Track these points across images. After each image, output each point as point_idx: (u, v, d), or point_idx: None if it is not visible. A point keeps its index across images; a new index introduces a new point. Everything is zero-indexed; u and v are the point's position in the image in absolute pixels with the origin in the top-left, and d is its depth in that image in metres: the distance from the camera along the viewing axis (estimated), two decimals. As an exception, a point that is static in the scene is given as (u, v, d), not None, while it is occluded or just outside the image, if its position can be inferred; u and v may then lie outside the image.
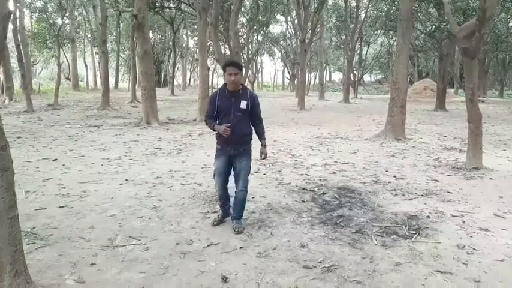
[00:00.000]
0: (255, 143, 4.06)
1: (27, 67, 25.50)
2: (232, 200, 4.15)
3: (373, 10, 29.51)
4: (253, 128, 4.07)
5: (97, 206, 4.73)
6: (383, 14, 25.26)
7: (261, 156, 4.13)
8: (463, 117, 14.76)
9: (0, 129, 2.52)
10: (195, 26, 28.90)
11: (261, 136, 4.13)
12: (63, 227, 4.07)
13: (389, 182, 5.99)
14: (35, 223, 4.13)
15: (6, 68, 20.24)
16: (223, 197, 4.13)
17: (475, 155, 6.93)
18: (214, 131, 3.95)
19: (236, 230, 3.91)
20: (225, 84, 3.94)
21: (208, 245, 3.62)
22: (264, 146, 4.12)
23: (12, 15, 2.53)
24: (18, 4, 23.46)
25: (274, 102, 26.75)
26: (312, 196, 5.22)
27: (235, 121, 3.82)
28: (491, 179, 6.29)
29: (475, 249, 3.62)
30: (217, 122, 3.97)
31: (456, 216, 4.50)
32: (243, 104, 3.85)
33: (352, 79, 32.44)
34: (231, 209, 4.16)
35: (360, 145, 9.63)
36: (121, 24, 31.83)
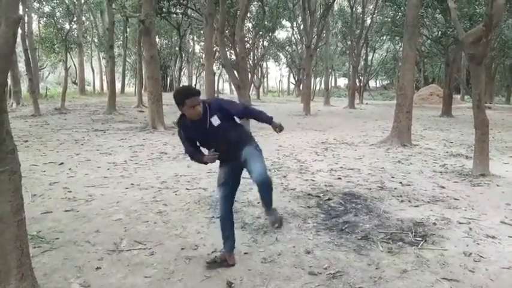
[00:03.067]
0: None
1: (35, 71, 25.68)
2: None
3: (379, 16, 29.52)
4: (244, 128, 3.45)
5: (103, 210, 4.75)
6: (389, 19, 25.23)
7: (276, 131, 3.36)
8: (469, 123, 14.67)
9: (8, 133, 2.54)
10: (201, 32, 29.05)
11: (263, 118, 3.36)
12: (69, 230, 4.08)
13: (395, 188, 5.96)
14: (41, 227, 4.16)
15: (14, 73, 20.38)
16: (224, 221, 3.35)
17: (481, 162, 6.89)
18: (206, 163, 3.32)
19: (275, 225, 3.21)
20: (181, 116, 3.26)
21: (213, 251, 3.61)
22: (272, 122, 3.33)
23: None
24: (26, 9, 23.70)
25: (279, 107, 26.74)
26: (317, 202, 5.21)
27: (220, 138, 3.19)
28: (498, 185, 6.24)
29: (481, 256, 3.58)
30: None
31: (463, 223, 4.46)
32: (215, 121, 3.16)
33: (358, 85, 32.38)
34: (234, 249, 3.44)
35: (366, 151, 9.60)
36: (128, 30, 32.03)
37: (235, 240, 3.41)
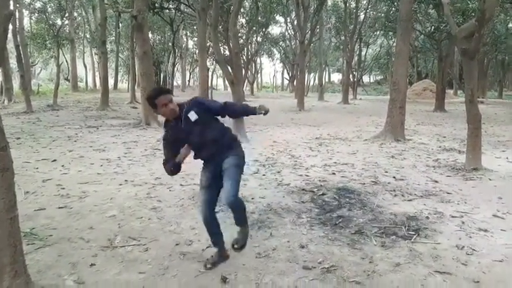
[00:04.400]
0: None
1: (27, 68, 25.47)
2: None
3: (372, 11, 29.56)
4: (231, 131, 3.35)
5: (96, 207, 4.73)
6: (382, 15, 25.31)
7: (263, 114, 3.20)
8: (462, 118, 14.77)
9: (0, 130, 2.52)
10: (195, 27, 28.93)
11: (248, 110, 3.28)
12: (62, 227, 4.07)
13: (388, 183, 6.00)
14: (34, 224, 4.13)
15: (6, 69, 20.21)
16: (210, 223, 3.24)
17: (474, 156, 6.94)
18: (179, 164, 3.24)
19: (235, 246, 3.19)
20: (167, 121, 3.21)
21: (207, 246, 3.62)
22: (257, 111, 3.21)
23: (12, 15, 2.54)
24: (17, 5, 23.45)
25: (273, 103, 26.75)
26: (311, 197, 5.23)
27: (200, 137, 3.11)
28: (490, 179, 6.30)
29: (474, 249, 3.62)
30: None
31: (455, 216, 4.50)
32: (192, 116, 3.09)
33: (352, 80, 32.44)
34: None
35: (360, 146, 9.64)
36: (120, 25, 31.76)
37: (223, 235, 3.36)
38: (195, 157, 3.27)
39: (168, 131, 3.22)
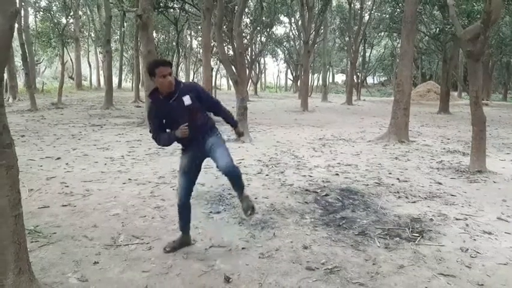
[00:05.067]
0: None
1: (31, 66, 25.56)
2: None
3: (377, 12, 29.49)
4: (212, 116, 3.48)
5: (100, 205, 4.74)
6: (387, 16, 25.23)
7: (237, 136, 3.63)
8: (466, 120, 14.72)
9: (5, 127, 2.53)
10: (199, 27, 28.92)
11: (230, 120, 3.53)
12: (66, 225, 4.08)
13: (392, 185, 5.98)
14: (38, 221, 4.15)
15: (10, 67, 20.28)
16: (185, 208, 3.45)
17: (478, 158, 6.91)
18: (174, 140, 3.32)
19: (248, 212, 3.25)
20: (154, 90, 3.28)
21: (210, 246, 3.62)
22: (236, 126, 3.55)
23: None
24: (23, 3, 23.52)
25: (277, 103, 26.77)
26: (314, 197, 5.22)
27: (189, 122, 3.20)
28: (494, 182, 6.27)
29: (478, 252, 3.60)
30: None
31: (459, 219, 4.48)
32: (187, 100, 3.19)
33: (356, 81, 32.39)
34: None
35: (363, 147, 9.61)
36: (125, 24, 31.79)
37: (190, 222, 3.58)
38: (178, 140, 3.33)
39: (154, 104, 3.30)
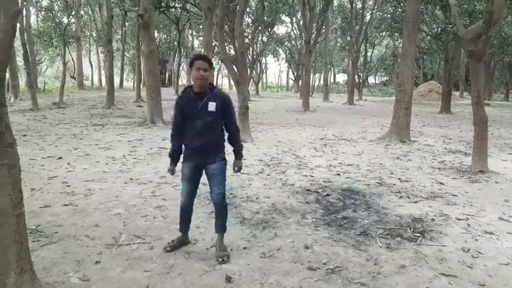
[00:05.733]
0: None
1: (33, 65, 25.59)
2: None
3: (378, 12, 29.47)
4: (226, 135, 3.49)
5: (102, 205, 4.74)
6: (388, 15, 25.21)
7: (234, 169, 3.54)
8: (468, 120, 14.70)
9: (7, 127, 2.53)
10: (201, 26, 28.97)
11: (237, 152, 3.53)
12: (68, 225, 4.08)
13: (394, 184, 5.98)
14: (40, 220, 4.15)
15: (12, 67, 20.32)
16: (187, 210, 3.54)
17: (480, 158, 6.90)
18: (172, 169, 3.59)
19: (219, 260, 3.29)
20: (188, 87, 3.42)
21: (212, 246, 3.62)
22: (238, 159, 3.55)
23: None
24: (25, 3, 23.56)
25: (278, 103, 26.76)
26: (316, 197, 5.22)
27: (202, 126, 3.26)
28: (496, 182, 6.26)
29: (480, 252, 3.60)
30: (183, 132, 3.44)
31: (461, 219, 4.48)
32: (211, 106, 3.24)
33: (357, 81, 32.36)
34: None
35: (365, 147, 9.61)
36: (127, 24, 31.83)
37: (191, 222, 3.68)
38: (184, 143, 3.45)
39: (182, 98, 3.40)
